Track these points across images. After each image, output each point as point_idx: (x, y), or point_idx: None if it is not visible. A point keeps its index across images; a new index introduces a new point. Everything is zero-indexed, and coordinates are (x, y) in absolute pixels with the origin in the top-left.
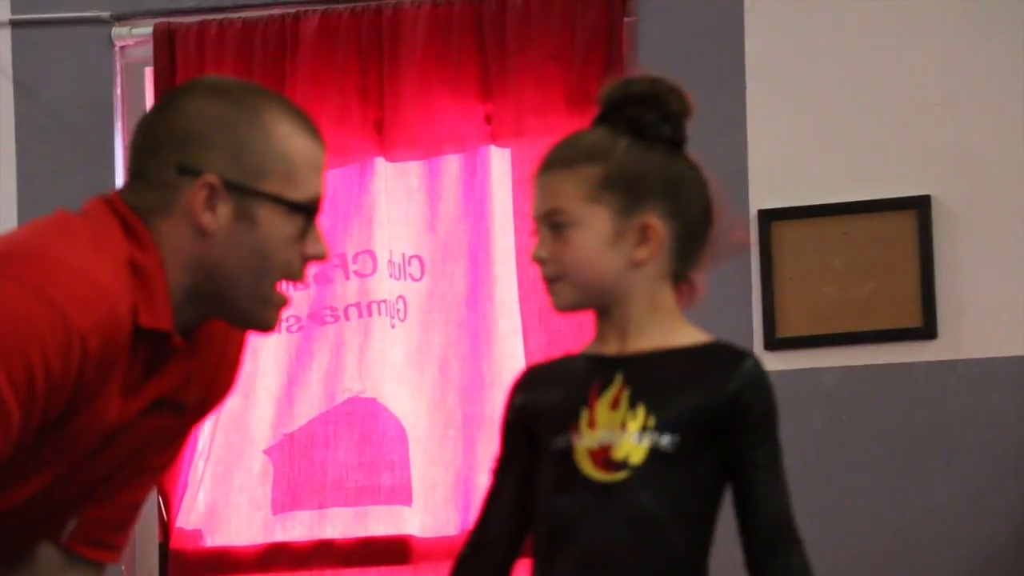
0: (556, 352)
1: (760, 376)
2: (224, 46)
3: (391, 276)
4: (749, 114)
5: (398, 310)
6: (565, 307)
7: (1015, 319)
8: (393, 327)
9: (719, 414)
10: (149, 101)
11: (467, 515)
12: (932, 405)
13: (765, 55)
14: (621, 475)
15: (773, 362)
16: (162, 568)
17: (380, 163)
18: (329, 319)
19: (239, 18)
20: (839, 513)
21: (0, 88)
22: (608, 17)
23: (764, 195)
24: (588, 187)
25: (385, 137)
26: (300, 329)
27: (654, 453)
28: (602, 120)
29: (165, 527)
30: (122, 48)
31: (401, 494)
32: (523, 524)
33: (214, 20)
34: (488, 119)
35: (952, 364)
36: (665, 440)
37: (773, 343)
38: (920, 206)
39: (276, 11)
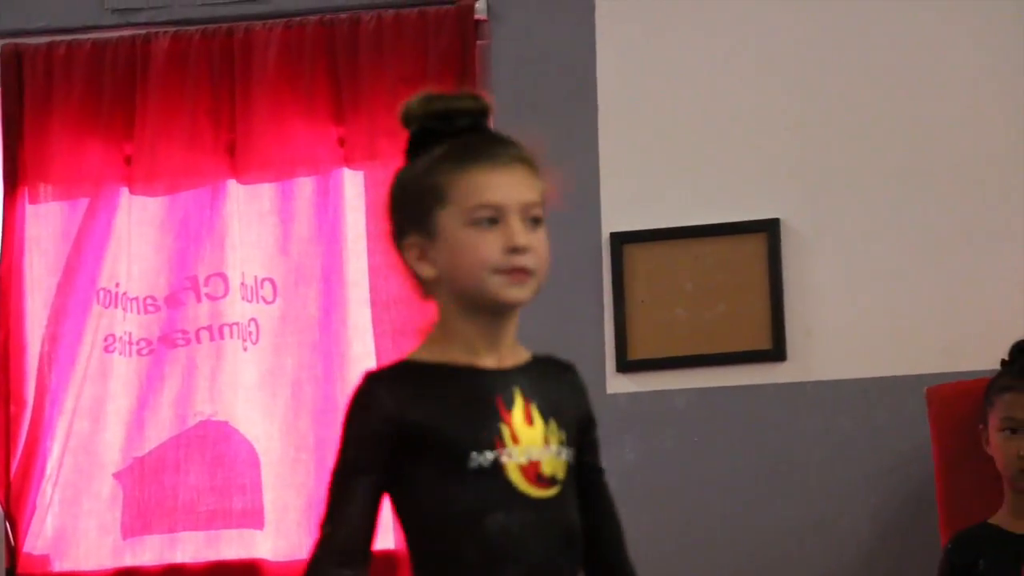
0: None
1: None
2: (73, 68)
3: (243, 299)
4: (601, 138)
5: (250, 333)
6: (525, 301)
7: (862, 341)
8: (245, 350)
9: (581, 426)
10: None
11: None
12: (781, 426)
13: (617, 79)
14: (553, 491)
15: (625, 384)
16: None
17: (232, 185)
18: (180, 342)
19: (88, 39)
20: (690, 533)
21: None
22: (461, 40)
23: (616, 218)
24: (541, 196)
25: (237, 159)
26: (151, 352)
27: (568, 467)
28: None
29: (12, 552)
30: None
31: (253, 517)
32: (372, 542)
33: (63, 41)
34: (341, 142)
35: (801, 386)
36: (571, 454)
37: (625, 365)
38: (769, 229)
39: (126, 32)
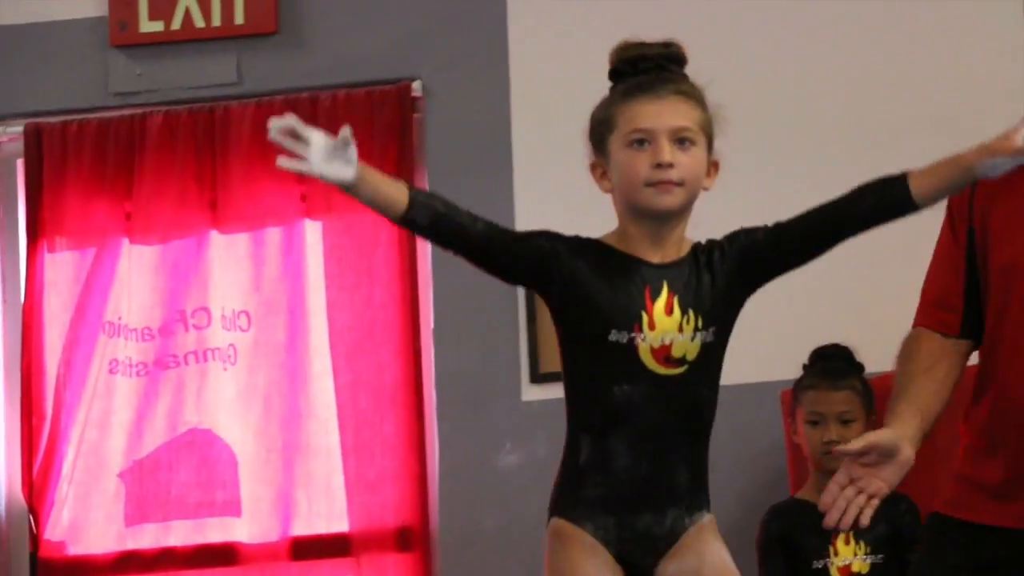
0: (360, 388)
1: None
2: (83, 141)
3: (224, 328)
4: (516, 190)
5: (229, 356)
6: (674, 208)
7: (728, 352)
8: (225, 370)
9: (745, 257)
10: (21, 188)
11: (287, 524)
12: None
13: (530, 142)
14: (680, 370)
15: (537, 393)
16: (32, 573)
17: (214, 235)
18: (172, 364)
19: (95, 118)
20: None
21: None
22: (400, 114)
23: None
24: (701, 122)
25: (218, 214)
26: (147, 373)
27: (704, 347)
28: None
29: (35, 539)
30: None
31: (232, 507)
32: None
33: (74, 120)
34: (303, 198)
35: None
36: (710, 334)
37: (537, 377)
38: None
39: (126, 112)
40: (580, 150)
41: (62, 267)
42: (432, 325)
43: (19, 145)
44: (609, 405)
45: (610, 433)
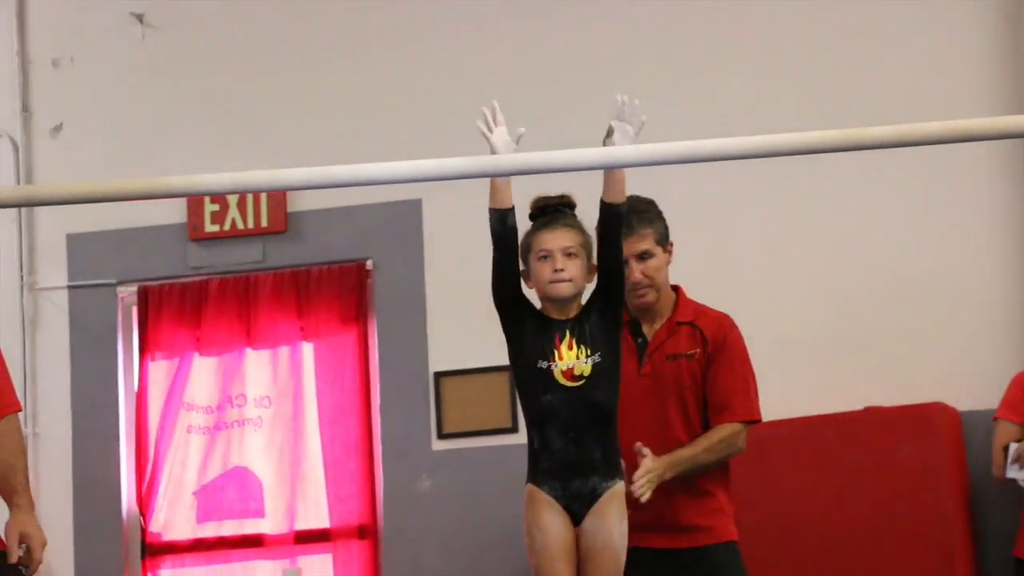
0: (336, 443)
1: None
2: (172, 296)
3: (255, 406)
4: (429, 335)
5: (259, 423)
6: (566, 295)
7: None
8: (256, 431)
9: (607, 311)
10: (135, 323)
11: (292, 522)
12: (519, 472)
13: (437, 299)
14: (580, 383)
15: (442, 445)
16: (143, 551)
17: (248, 351)
18: (224, 428)
19: (179, 282)
20: (479, 533)
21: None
22: (359, 282)
23: (437, 362)
24: (581, 242)
25: (251, 338)
26: (209, 433)
27: (595, 366)
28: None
29: (143, 531)
30: (121, 297)
31: (259, 512)
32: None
33: (167, 283)
34: (302, 328)
35: (522, 447)
36: (597, 357)
37: (442, 435)
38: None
39: (196, 278)
40: (472, 299)
41: (159, 370)
42: (379, 403)
43: (134, 298)
44: (540, 407)
45: (545, 426)
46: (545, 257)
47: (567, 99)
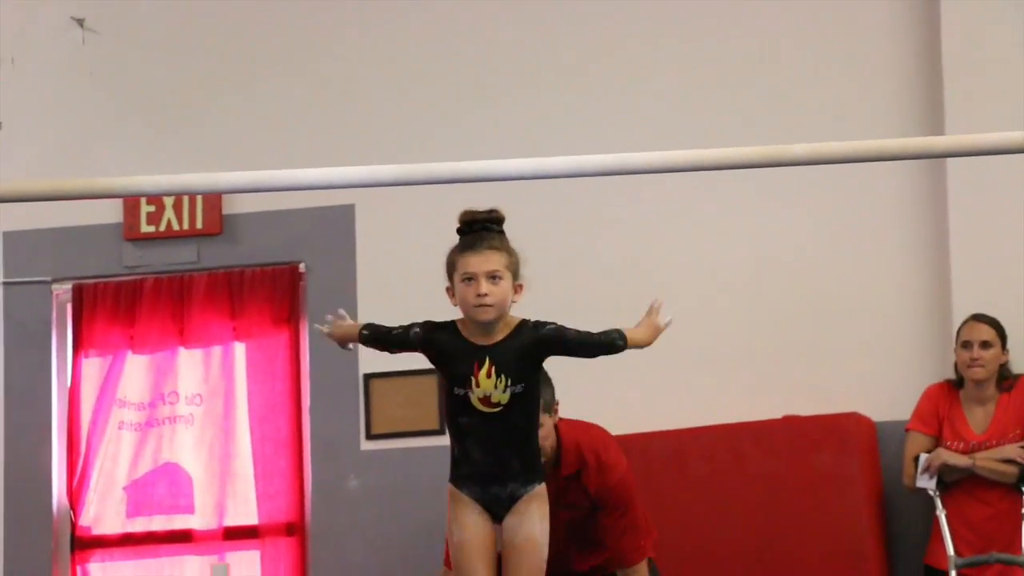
0: (266, 441)
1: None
2: (107, 295)
3: (187, 403)
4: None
5: (190, 420)
6: (489, 319)
7: None
8: (187, 428)
9: (537, 346)
10: (69, 321)
11: (222, 518)
12: (441, 470)
13: (369, 301)
14: (497, 409)
15: (370, 445)
16: (72, 545)
17: (182, 350)
18: (155, 425)
19: (114, 281)
20: (406, 530)
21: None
22: (292, 283)
23: (367, 365)
24: (507, 263)
25: (184, 338)
26: (140, 430)
27: (513, 395)
28: (480, 230)
29: (73, 525)
30: (56, 295)
31: (189, 508)
32: None
33: (101, 282)
34: (234, 328)
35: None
36: (518, 387)
37: (370, 436)
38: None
39: (130, 277)
40: (402, 304)
41: (92, 367)
42: (309, 404)
43: (69, 295)
44: (459, 428)
45: (464, 441)
46: (470, 279)
47: (511, 103)
